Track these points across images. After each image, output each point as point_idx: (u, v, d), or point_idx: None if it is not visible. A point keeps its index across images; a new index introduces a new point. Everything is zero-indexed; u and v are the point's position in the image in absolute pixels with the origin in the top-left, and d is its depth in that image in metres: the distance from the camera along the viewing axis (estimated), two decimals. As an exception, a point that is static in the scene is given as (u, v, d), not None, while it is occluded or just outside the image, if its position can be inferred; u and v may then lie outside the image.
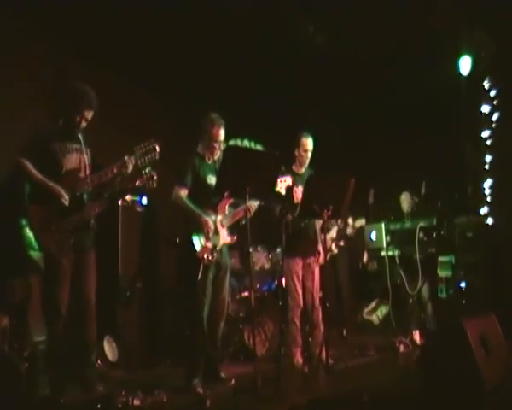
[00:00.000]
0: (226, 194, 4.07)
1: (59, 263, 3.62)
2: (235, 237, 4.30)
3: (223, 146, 4.29)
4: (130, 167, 3.78)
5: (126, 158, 3.77)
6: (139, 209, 5.29)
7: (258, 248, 5.99)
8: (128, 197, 5.08)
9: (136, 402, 3.49)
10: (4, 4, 4.67)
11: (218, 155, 4.28)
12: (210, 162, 4.28)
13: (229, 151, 4.10)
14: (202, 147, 4.28)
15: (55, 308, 3.62)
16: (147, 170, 3.89)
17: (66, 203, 3.63)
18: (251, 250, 4.03)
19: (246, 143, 7.19)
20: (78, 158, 3.79)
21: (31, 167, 3.64)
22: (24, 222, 4.22)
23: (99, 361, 4.44)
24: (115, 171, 3.76)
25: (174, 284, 5.63)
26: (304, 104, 7.26)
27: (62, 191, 3.62)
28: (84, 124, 3.78)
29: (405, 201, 6.27)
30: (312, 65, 6.66)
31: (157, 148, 3.83)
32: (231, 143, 6.19)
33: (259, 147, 7.19)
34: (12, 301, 4.11)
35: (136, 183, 3.87)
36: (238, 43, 6.09)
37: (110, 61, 5.44)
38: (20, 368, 3.56)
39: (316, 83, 6.91)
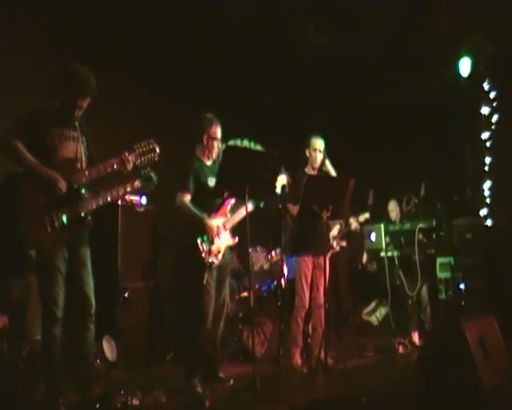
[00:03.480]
0: (226, 194, 4.07)
1: (53, 260, 3.31)
2: (236, 239, 4.28)
3: (222, 147, 4.28)
4: (131, 165, 3.52)
5: (126, 154, 3.51)
6: (139, 209, 5.28)
7: (258, 249, 5.99)
8: (128, 197, 5.07)
9: (135, 402, 3.47)
10: (4, 4, 4.66)
11: (216, 154, 4.27)
12: (209, 164, 4.26)
13: (228, 151, 4.08)
14: (200, 149, 4.25)
15: (49, 311, 3.31)
16: (146, 171, 3.67)
17: (64, 190, 3.31)
18: (250, 250, 4.02)
19: (245, 143, 7.19)
20: (75, 147, 3.47)
21: (24, 151, 3.28)
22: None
23: (98, 361, 4.43)
24: (115, 166, 3.49)
25: (173, 284, 5.64)
26: (304, 105, 7.27)
27: (60, 177, 3.30)
28: (78, 112, 3.47)
29: (393, 210, 6.35)
30: (313, 65, 6.66)
31: (157, 149, 3.59)
32: (231, 143, 6.18)
33: (259, 147, 7.19)
34: (10, 300, 4.09)
35: (135, 183, 3.64)
36: (238, 44, 6.09)
37: (110, 60, 5.43)
38: (19, 368, 3.55)
39: (316, 83, 6.92)
